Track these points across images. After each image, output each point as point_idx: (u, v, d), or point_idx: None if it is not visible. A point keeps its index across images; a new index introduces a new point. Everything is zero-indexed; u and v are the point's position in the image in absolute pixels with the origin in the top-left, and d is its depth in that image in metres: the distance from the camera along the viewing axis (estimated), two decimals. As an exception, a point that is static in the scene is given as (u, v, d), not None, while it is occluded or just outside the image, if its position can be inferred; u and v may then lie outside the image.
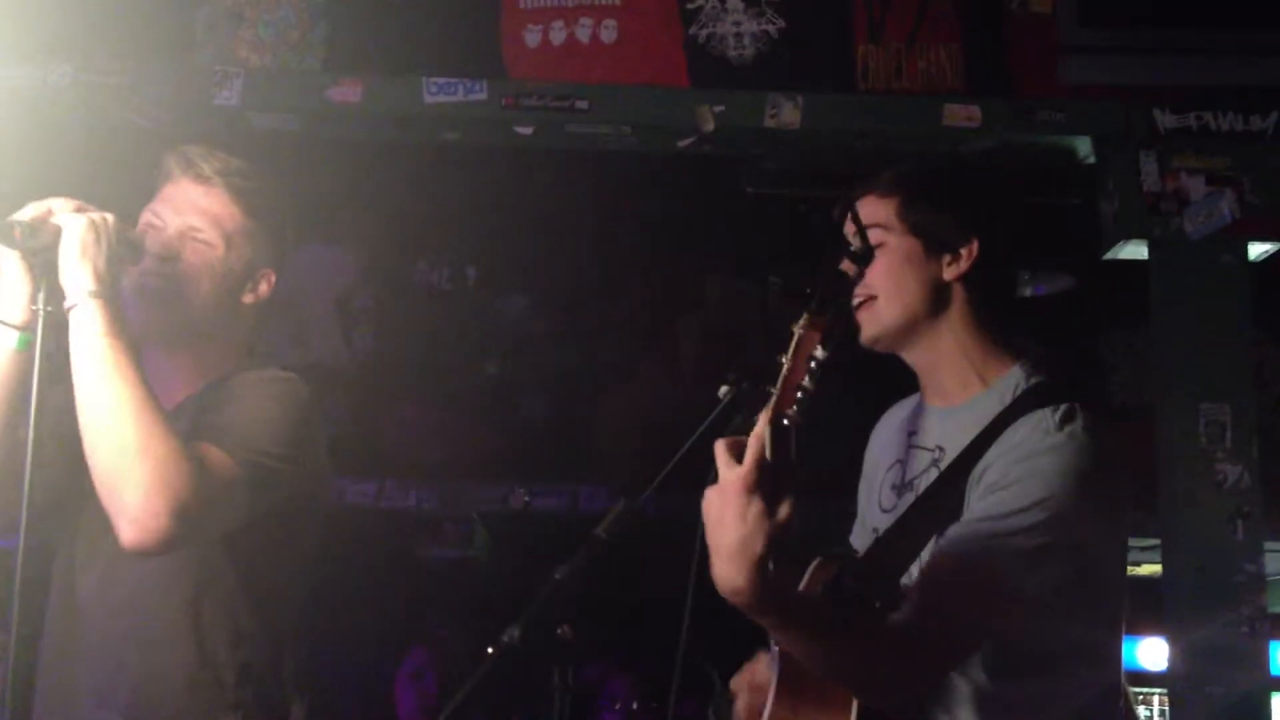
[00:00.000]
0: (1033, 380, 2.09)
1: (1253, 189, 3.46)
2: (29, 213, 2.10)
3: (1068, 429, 1.99)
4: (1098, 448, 1.98)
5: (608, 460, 4.75)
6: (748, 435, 1.81)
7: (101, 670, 2.22)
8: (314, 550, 2.37)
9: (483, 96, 3.51)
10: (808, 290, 1.91)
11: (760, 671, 2.17)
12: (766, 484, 1.78)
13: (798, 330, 1.84)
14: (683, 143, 3.55)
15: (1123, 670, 2.16)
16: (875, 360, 2.20)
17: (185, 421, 2.18)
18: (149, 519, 2.01)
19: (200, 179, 2.30)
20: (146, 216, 2.26)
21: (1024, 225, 2.25)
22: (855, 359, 2.16)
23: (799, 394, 1.79)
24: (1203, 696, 3.37)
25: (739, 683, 2.24)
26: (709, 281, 4.59)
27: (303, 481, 2.26)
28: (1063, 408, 2.02)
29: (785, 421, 1.79)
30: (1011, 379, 2.10)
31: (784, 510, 1.79)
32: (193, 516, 2.03)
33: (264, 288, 2.36)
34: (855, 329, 2.15)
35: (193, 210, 2.29)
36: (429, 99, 3.51)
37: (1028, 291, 3.94)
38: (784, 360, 1.82)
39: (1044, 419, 2.01)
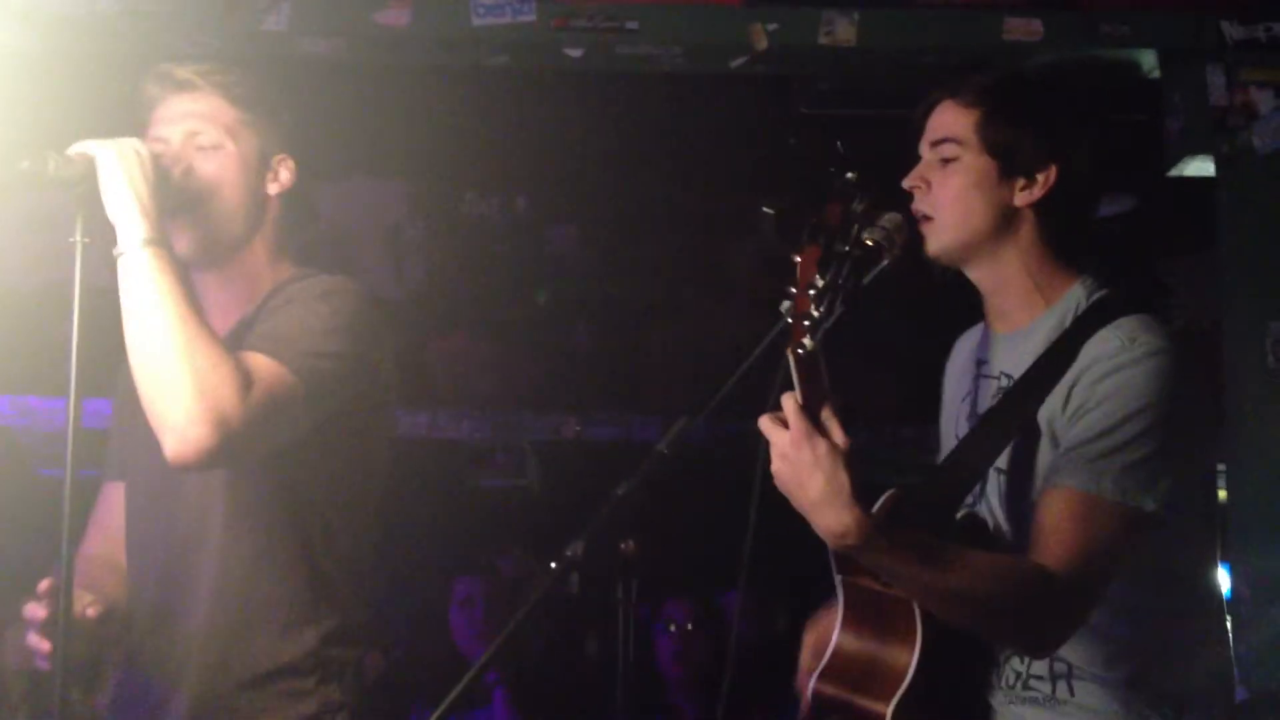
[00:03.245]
0: (1094, 297, 2.05)
1: (1324, 102, 3.38)
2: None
3: (1142, 340, 1.96)
4: (1177, 355, 1.95)
5: (660, 389, 4.73)
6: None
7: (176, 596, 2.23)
8: (384, 467, 2.36)
9: (531, 18, 3.46)
10: (805, 220, 1.88)
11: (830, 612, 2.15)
12: (816, 422, 1.78)
13: (795, 261, 1.81)
14: (735, 62, 3.49)
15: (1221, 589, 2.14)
16: (948, 284, 2.16)
17: (241, 343, 2.16)
18: (191, 428, 1.99)
19: (184, 88, 2.28)
20: (149, 145, 2.22)
21: (1106, 151, 2.19)
22: (925, 280, 2.12)
23: (807, 323, 1.78)
24: (1268, 620, 3.33)
25: (812, 623, 2.23)
26: (761, 205, 4.53)
27: (365, 384, 2.23)
28: (1132, 320, 1.98)
29: (802, 352, 1.78)
30: (1072, 298, 2.07)
31: (841, 439, 1.78)
32: (239, 426, 2.01)
33: (285, 175, 2.35)
34: (919, 242, 2.10)
35: (188, 119, 2.27)
36: (477, 21, 3.46)
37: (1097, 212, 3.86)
38: (791, 292, 1.79)
39: (1115, 334, 1.97)
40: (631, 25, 3.44)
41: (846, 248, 1.87)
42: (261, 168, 2.32)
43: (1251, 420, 3.38)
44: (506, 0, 3.46)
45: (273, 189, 2.33)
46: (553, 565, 1.82)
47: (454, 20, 3.47)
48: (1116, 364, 1.95)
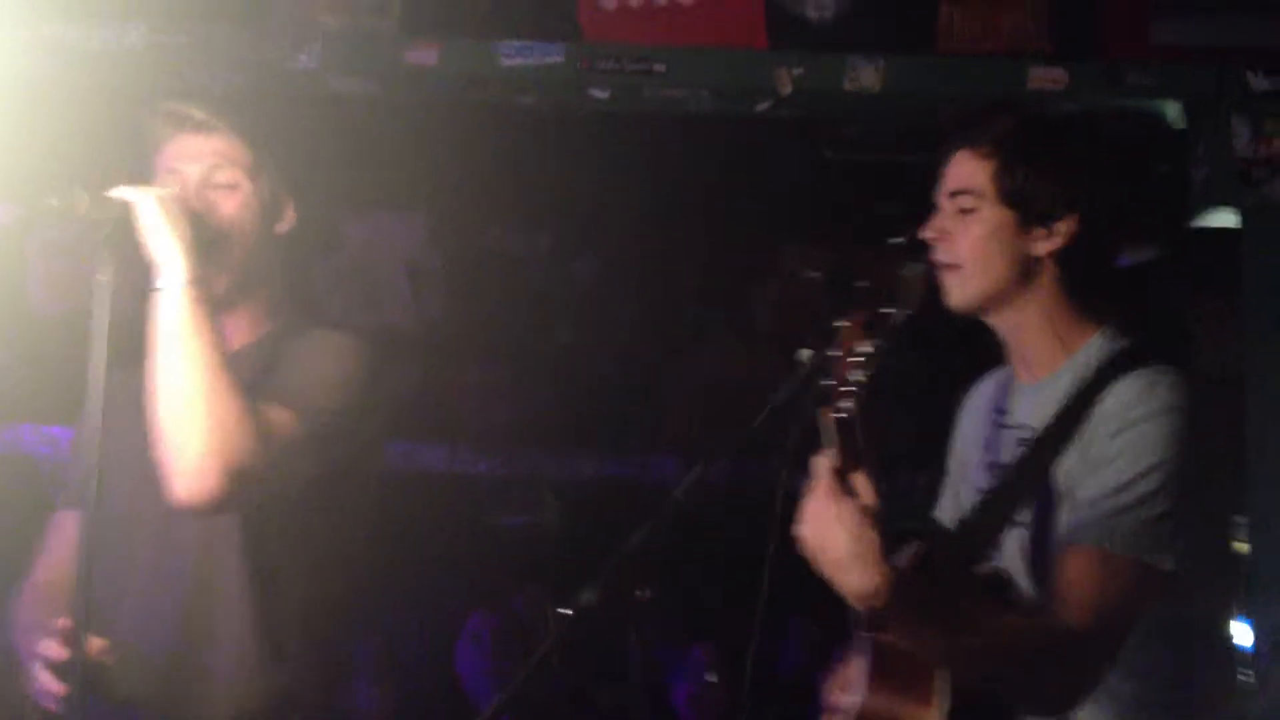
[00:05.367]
0: (1115, 346, 2.04)
1: (1348, 155, 3.37)
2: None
3: (1159, 393, 1.94)
4: (1194, 407, 1.93)
5: (679, 429, 4.73)
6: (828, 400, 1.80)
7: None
8: (370, 514, 2.37)
9: (559, 59, 3.48)
10: (849, 283, 1.89)
11: (851, 666, 2.14)
12: (847, 483, 1.78)
13: (840, 326, 1.82)
14: (761, 106, 3.50)
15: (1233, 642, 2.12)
16: (963, 327, 2.15)
17: (245, 373, 2.17)
18: (209, 476, 2.02)
19: (200, 128, 2.29)
20: (162, 180, 2.24)
21: (1128, 200, 2.18)
22: (942, 326, 2.11)
23: (848, 388, 1.78)
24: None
25: (830, 678, 2.20)
26: (784, 249, 4.54)
27: (360, 442, 2.26)
28: (1150, 371, 1.96)
29: (843, 416, 1.78)
30: (1093, 348, 2.05)
31: (871, 500, 1.78)
32: (250, 476, 2.04)
33: (290, 214, 2.37)
34: (937, 291, 2.10)
35: (205, 157, 2.29)
36: (505, 62, 3.49)
37: (1119, 261, 3.86)
38: (833, 355, 1.80)
39: (1133, 386, 1.96)
40: (659, 68, 3.45)
41: (892, 310, 1.88)
42: (275, 208, 2.34)
43: (1273, 471, 3.36)
44: (534, 41, 3.48)
45: (281, 229, 2.35)
46: (565, 612, 1.82)
47: (482, 61, 3.49)
48: (1132, 418, 1.93)
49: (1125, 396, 1.95)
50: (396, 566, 4.39)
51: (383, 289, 4.82)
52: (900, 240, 2.00)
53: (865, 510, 1.78)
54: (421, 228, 4.84)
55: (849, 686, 2.05)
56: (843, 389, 1.78)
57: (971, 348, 2.21)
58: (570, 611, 1.86)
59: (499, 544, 5.04)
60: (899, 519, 2.10)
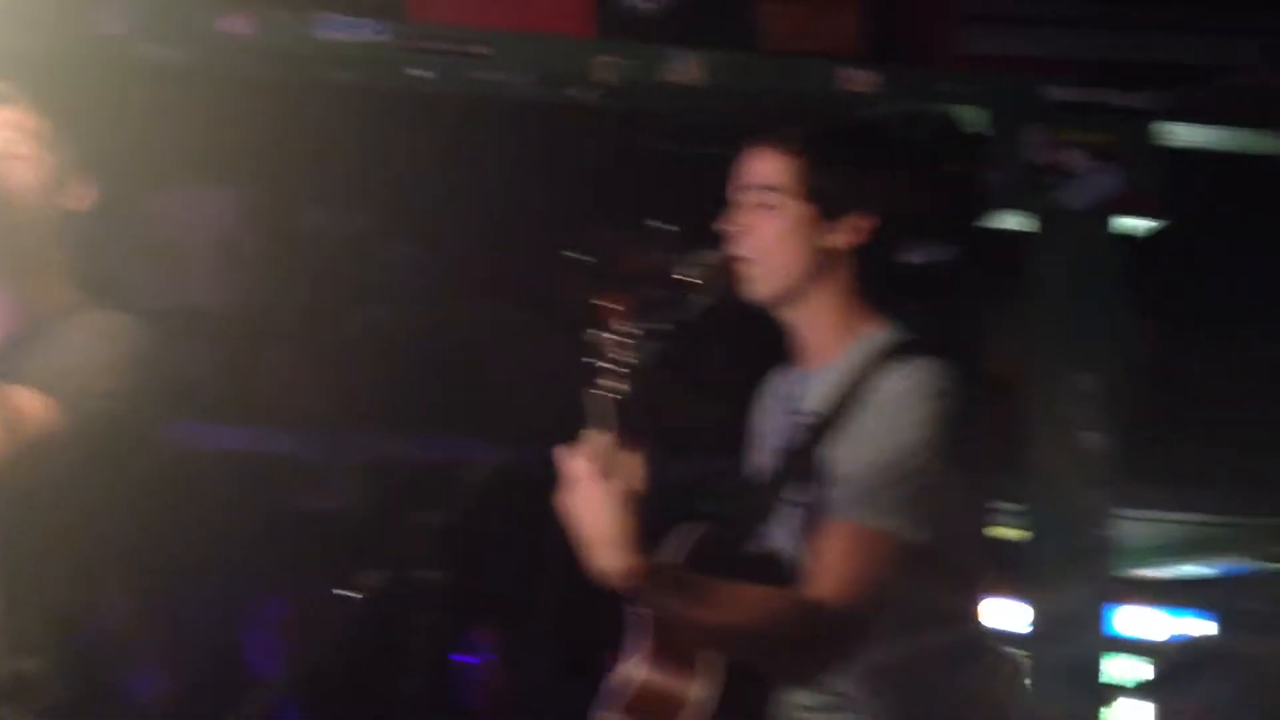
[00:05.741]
0: (894, 337, 2.13)
1: (1134, 166, 3.56)
2: None
3: (926, 381, 2.03)
4: (958, 397, 2.03)
5: (491, 414, 4.72)
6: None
7: None
8: (143, 500, 2.30)
9: (379, 37, 3.45)
10: (618, 267, 1.92)
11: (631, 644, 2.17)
12: (610, 463, 1.81)
13: (604, 306, 1.87)
14: (583, 94, 3.54)
15: (987, 627, 2.22)
16: (761, 319, 2.22)
17: (20, 358, 2.11)
18: None
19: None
20: None
21: (922, 199, 2.29)
22: (738, 318, 2.18)
23: (616, 368, 1.82)
24: (1060, 657, 3.49)
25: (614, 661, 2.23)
26: (602, 235, 4.58)
27: (132, 428, 2.19)
28: (924, 361, 2.06)
29: (610, 396, 1.82)
30: (875, 338, 2.14)
31: (637, 484, 1.82)
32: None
33: (84, 192, 2.29)
34: (732, 284, 2.15)
35: None
36: (323, 35, 3.44)
37: (917, 259, 4.02)
38: (599, 335, 1.84)
39: (904, 372, 2.05)
40: (481, 50, 3.46)
41: (660, 294, 1.92)
42: (70, 183, 2.26)
43: (1047, 465, 3.53)
44: (355, 16, 3.45)
45: (77, 204, 2.28)
46: (348, 595, 1.82)
47: (299, 33, 3.44)
48: (898, 403, 2.01)
49: (895, 382, 2.03)
50: (193, 550, 4.29)
51: (192, 269, 4.71)
52: (669, 228, 2.04)
53: (627, 494, 1.81)
54: (234, 206, 4.74)
55: (629, 664, 2.07)
56: (610, 368, 1.80)
57: (775, 338, 2.28)
58: (354, 594, 1.86)
59: (298, 526, 4.97)
60: (694, 503, 2.16)
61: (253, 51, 3.48)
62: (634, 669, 2.05)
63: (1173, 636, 5.52)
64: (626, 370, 1.84)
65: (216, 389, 4.52)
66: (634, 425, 1.84)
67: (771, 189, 2.14)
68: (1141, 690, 4.19)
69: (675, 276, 2.04)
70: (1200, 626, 5.77)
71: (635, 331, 1.84)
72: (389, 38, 3.45)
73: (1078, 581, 3.51)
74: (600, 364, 1.84)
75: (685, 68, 3.50)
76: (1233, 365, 4.63)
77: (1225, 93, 3.59)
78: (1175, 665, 3.72)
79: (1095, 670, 3.53)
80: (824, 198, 2.13)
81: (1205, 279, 4.26)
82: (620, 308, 1.86)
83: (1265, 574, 5.83)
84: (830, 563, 1.97)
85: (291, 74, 3.61)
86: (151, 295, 4.48)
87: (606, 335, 1.84)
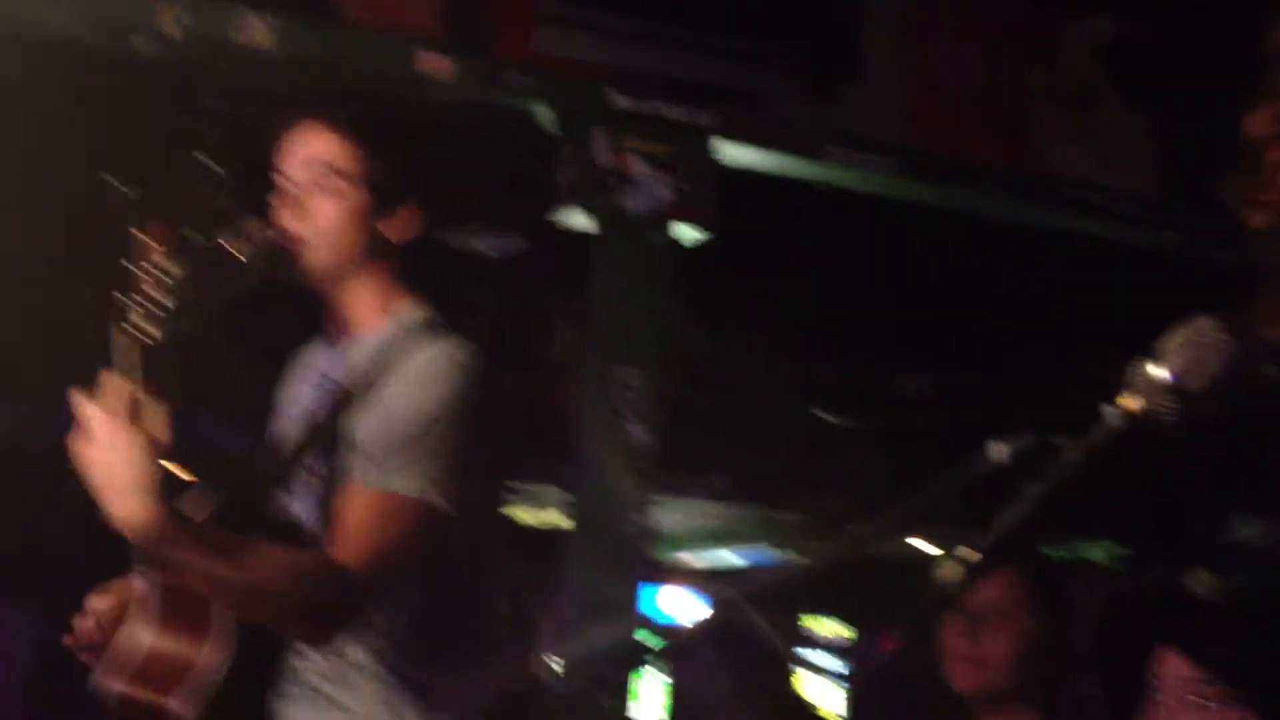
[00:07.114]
0: (425, 317, 2.20)
1: (688, 177, 3.75)
2: None
3: (451, 357, 2.11)
4: (476, 374, 2.11)
5: None
6: None
7: None
8: None
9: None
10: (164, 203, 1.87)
11: (124, 594, 2.11)
12: (133, 409, 1.77)
13: (141, 238, 1.79)
14: (142, 45, 3.38)
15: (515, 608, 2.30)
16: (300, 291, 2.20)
17: None
18: None
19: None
20: None
21: (475, 194, 2.35)
22: (281, 290, 2.16)
23: (146, 306, 1.77)
24: (589, 636, 3.64)
25: (98, 601, 2.15)
26: (158, 191, 4.37)
27: None
28: (450, 341, 2.14)
29: (142, 339, 1.77)
30: (407, 317, 2.20)
31: (161, 434, 1.79)
32: None
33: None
34: (279, 260, 2.14)
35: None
36: None
37: (480, 249, 4.07)
38: (131, 267, 1.77)
39: (429, 349, 2.12)
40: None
41: (205, 241, 1.88)
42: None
43: (593, 454, 3.68)
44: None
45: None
46: None
47: None
48: (419, 375, 2.08)
49: (420, 357, 2.10)
50: None
51: None
52: (217, 169, 2.00)
53: (151, 443, 1.76)
54: None
55: (134, 626, 2.01)
56: (142, 306, 1.74)
57: (313, 310, 2.27)
58: None
59: None
60: (218, 467, 2.12)
61: None
62: (140, 631, 1.98)
63: (693, 618, 5.87)
64: (160, 313, 1.76)
65: None
66: (160, 373, 1.77)
67: (334, 172, 2.15)
68: (658, 662, 4.43)
69: (222, 245, 1.99)
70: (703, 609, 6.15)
71: (174, 270, 1.76)
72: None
73: (616, 563, 3.67)
74: (131, 301, 1.75)
75: (256, 30, 3.40)
76: (768, 371, 4.96)
77: (762, 118, 3.84)
78: (683, 642, 3.96)
79: (628, 645, 3.70)
80: (384, 188, 2.16)
81: (747, 290, 4.52)
82: (160, 245, 1.77)
83: (775, 564, 6.29)
84: (348, 526, 2.00)
85: None
86: None
87: (142, 270, 1.75)
